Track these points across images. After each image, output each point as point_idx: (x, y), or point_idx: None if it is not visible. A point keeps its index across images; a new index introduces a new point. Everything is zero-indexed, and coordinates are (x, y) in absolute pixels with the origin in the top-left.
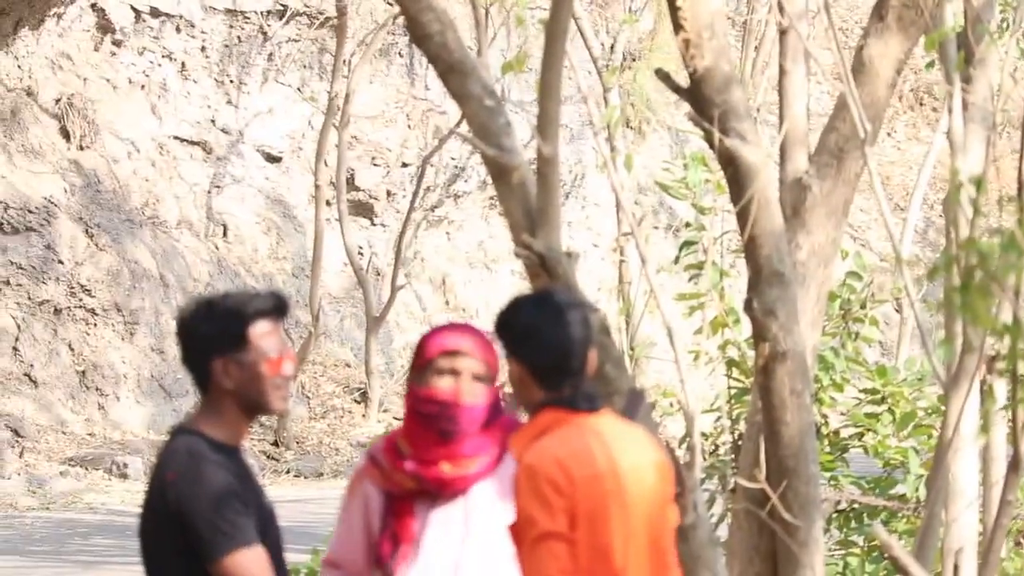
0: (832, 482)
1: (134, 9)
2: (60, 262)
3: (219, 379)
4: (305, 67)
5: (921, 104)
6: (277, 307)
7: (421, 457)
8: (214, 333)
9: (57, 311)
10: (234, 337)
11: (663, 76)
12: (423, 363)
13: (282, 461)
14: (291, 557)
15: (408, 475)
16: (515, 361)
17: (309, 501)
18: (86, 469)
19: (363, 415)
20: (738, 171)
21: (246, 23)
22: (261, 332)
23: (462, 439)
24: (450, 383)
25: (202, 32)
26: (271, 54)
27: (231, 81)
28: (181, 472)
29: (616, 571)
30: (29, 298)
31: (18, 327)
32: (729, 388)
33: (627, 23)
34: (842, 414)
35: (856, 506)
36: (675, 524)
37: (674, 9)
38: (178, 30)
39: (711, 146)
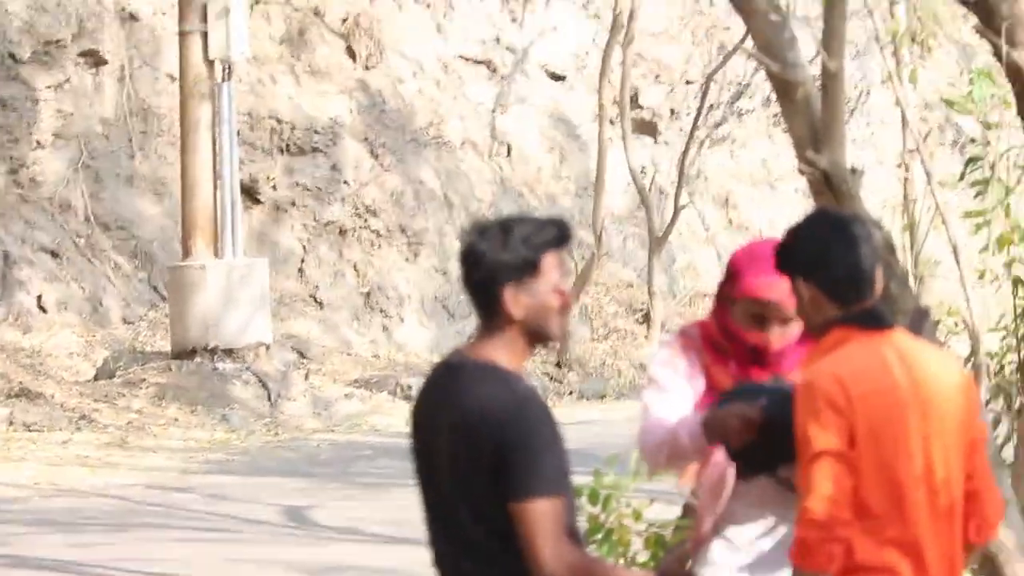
0: None
1: None
2: (345, 183)
3: (508, 307)
4: None
5: None
6: (565, 236)
7: (741, 366)
8: (508, 260)
9: (342, 232)
10: (528, 265)
11: None
12: (733, 296)
13: (565, 383)
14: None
15: (731, 377)
16: (805, 282)
17: (593, 423)
18: (371, 391)
19: (646, 336)
20: None
21: None
22: (552, 262)
23: (775, 362)
24: (758, 329)
25: None
26: None
27: None
28: (505, 408)
29: (909, 479)
30: (315, 219)
31: (304, 248)
32: (1015, 306)
33: None
34: None
35: None
36: (984, 439)
37: None
38: None
39: (999, 60)
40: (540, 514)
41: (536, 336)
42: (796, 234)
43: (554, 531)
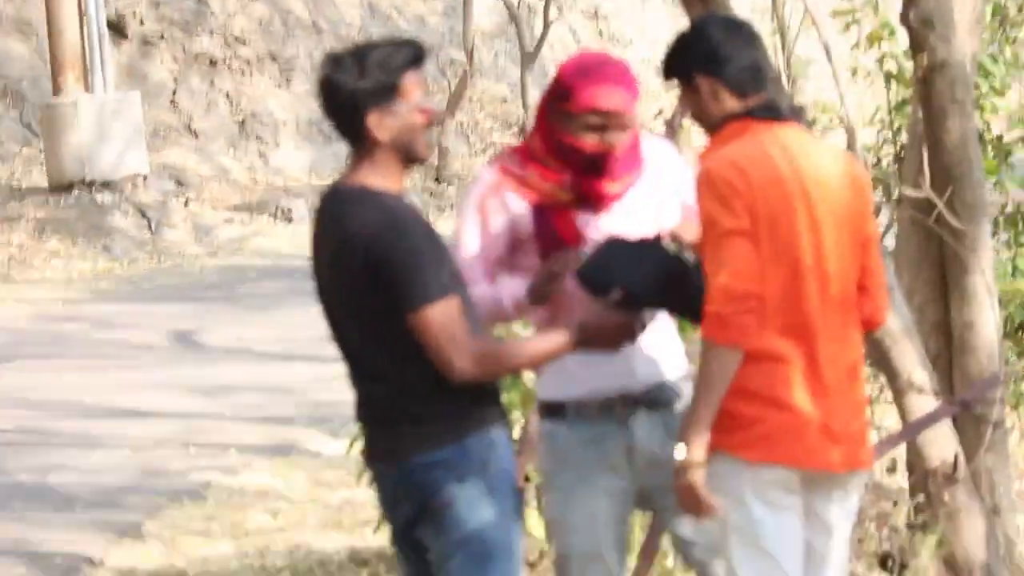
0: (997, 187)
1: None
2: (212, 14)
3: (375, 131)
4: None
5: None
6: (421, 55)
7: (576, 174)
8: (368, 86)
9: (212, 63)
10: (388, 89)
11: None
12: (570, 110)
13: (444, 197)
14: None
15: (563, 186)
16: (706, 76)
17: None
18: (251, 215)
19: None
20: None
21: None
22: (412, 82)
23: (613, 169)
24: (597, 138)
25: None
26: None
27: None
28: (379, 227)
29: (801, 267)
30: (184, 51)
31: (175, 80)
32: (889, 101)
33: None
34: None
35: (1023, 208)
36: (876, 237)
37: None
38: None
39: None
40: (437, 318)
41: (406, 156)
42: (693, 33)
43: (455, 331)
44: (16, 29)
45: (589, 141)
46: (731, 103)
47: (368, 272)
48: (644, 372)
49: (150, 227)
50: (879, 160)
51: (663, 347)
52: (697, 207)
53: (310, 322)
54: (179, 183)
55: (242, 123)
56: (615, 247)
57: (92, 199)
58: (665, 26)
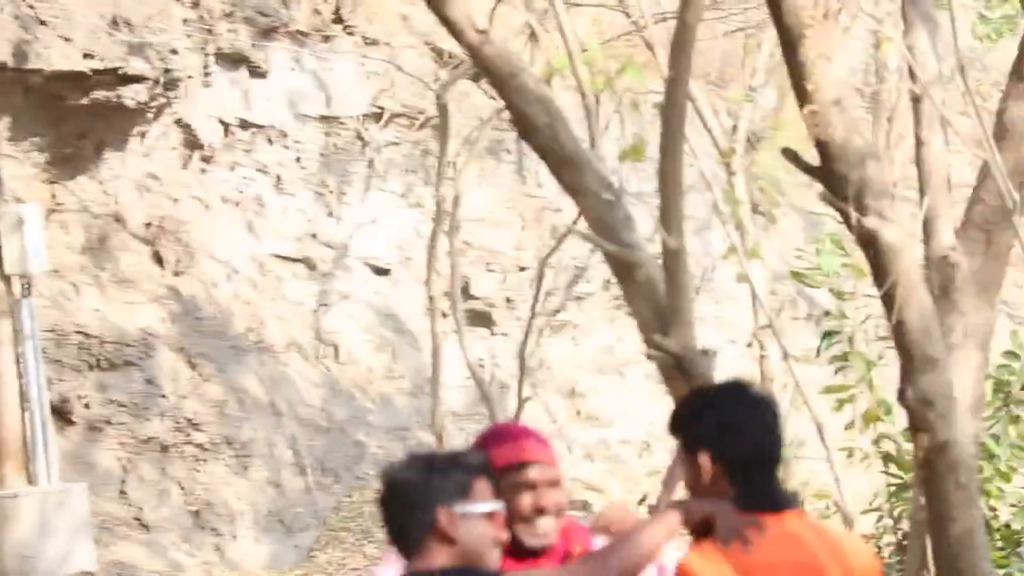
0: None
1: (222, 122)
2: (163, 396)
3: (444, 529)
4: (408, 171)
5: None
6: (488, 467)
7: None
8: (440, 482)
9: (164, 448)
10: (461, 487)
11: (791, 155)
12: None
13: None
14: None
15: None
16: (707, 455)
17: None
18: None
19: None
20: (879, 252)
21: (342, 129)
22: (482, 487)
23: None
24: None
25: (296, 142)
26: (371, 160)
27: (330, 192)
28: None
29: None
30: (133, 436)
31: (124, 468)
32: (888, 485)
33: (743, 101)
34: (1012, 506)
35: None
36: None
37: (799, 84)
38: (270, 141)
39: (848, 227)
40: None
41: (471, 563)
42: (706, 401)
43: None
44: None
45: (521, 503)
46: (725, 490)
47: None
48: None
49: None
50: (880, 550)
51: None
52: None
53: None
54: None
55: (196, 514)
56: None
57: None
58: (644, 405)
